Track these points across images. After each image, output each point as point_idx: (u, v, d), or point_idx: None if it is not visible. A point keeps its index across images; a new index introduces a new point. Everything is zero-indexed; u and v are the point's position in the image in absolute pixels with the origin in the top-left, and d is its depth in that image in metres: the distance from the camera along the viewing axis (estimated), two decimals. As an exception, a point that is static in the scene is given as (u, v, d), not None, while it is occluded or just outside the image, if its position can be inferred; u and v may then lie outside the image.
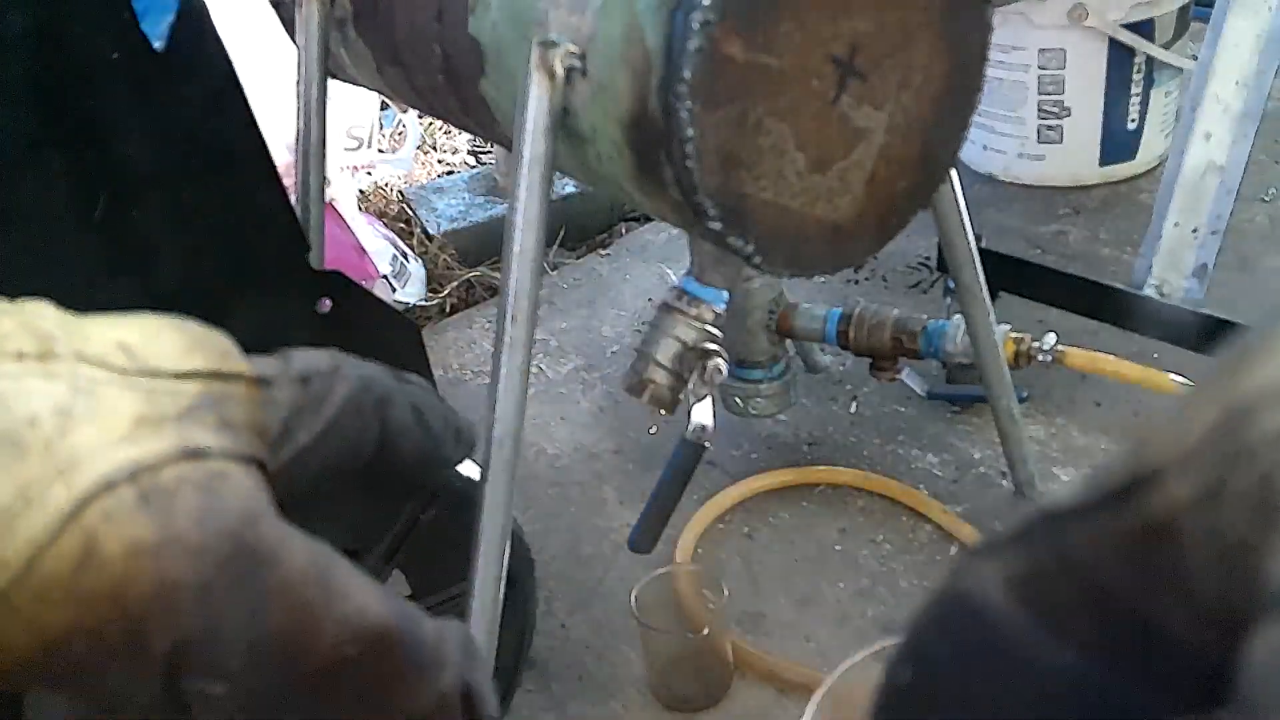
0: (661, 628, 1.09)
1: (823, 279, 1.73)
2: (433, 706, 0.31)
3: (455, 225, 2.03)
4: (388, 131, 2.32)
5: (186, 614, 0.27)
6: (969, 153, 1.98)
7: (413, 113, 2.26)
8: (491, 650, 0.91)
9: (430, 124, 2.41)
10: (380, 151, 2.17)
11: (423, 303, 1.88)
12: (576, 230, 2.02)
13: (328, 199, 1.37)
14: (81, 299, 0.79)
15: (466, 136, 2.43)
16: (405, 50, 0.98)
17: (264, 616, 0.28)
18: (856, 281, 1.75)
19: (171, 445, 0.28)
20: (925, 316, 1.26)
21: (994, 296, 1.23)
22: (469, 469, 0.95)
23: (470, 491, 0.90)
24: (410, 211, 2.13)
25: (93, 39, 0.75)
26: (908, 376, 1.46)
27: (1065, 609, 0.24)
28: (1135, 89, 1.83)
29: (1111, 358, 1.22)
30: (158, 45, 0.76)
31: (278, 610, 0.28)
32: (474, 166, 2.37)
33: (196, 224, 0.84)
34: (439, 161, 2.40)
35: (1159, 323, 1.34)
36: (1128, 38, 1.77)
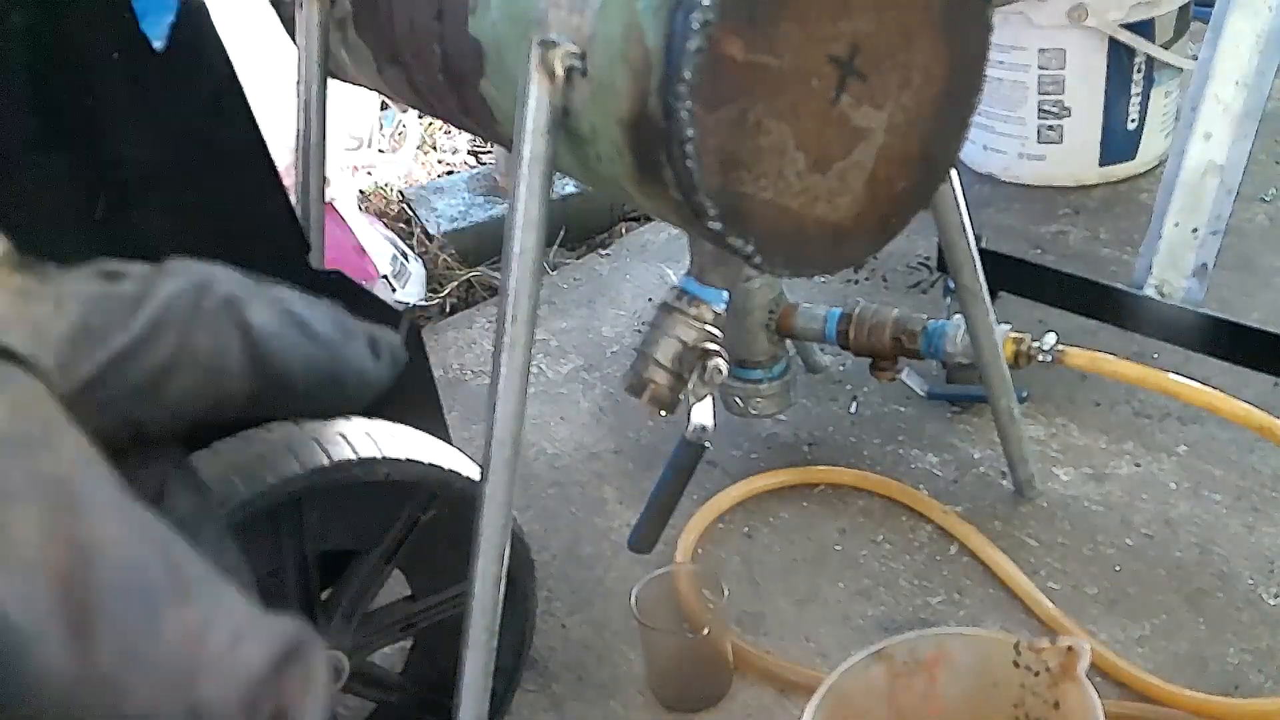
0: (661, 628, 1.09)
1: (823, 279, 1.73)
2: (175, 716, 0.22)
3: (455, 225, 2.03)
4: (388, 131, 2.32)
5: None
6: (969, 153, 1.98)
7: (413, 113, 2.26)
8: (491, 650, 0.91)
9: (430, 124, 2.41)
10: (380, 151, 2.17)
11: (423, 303, 1.88)
12: (576, 230, 2.03)
13: (328, 199, 1.37)
14: (81, 299, 0.78)
15: (466, 136, 2.43)
16: (405, 50, 0.98)
17: None
18: (856, 281, 1.75)
19: None
20: (925, 316, 1.26)
21: (994, 296, 1.23)
22: (469, 469, 0.95)
23: (470, 491, 0.90)
24: (410, 211, 2.13)
25: (93, 39, 0.75)
26: (908, 376, 1.46)
27: None
28: (1135, 89, 1.83)
29: (1111, 358, 1.22)
30: (158, 45, 0.76)
31: None
32: (474, 166, 2.37)
33: (196, 224, 0.84)
34: (439, 161, 2.40)
35: (1159, 323, 1.34)
36: (1128, 38, 1.77)
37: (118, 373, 0.26)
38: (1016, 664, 0.89)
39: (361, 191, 2.15)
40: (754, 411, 1.34)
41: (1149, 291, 1.33)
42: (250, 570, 0.28)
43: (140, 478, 0.28)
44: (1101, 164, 1.90)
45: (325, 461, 0.85)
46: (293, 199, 0.98)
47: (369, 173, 2.18)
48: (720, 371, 0.96)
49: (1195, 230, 1.30)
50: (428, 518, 0.94)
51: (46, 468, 0.22)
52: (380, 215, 2.11)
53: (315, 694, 0.24)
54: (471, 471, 0.94)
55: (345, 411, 0.32)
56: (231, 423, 0.85)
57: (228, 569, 0.26)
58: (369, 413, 0.94)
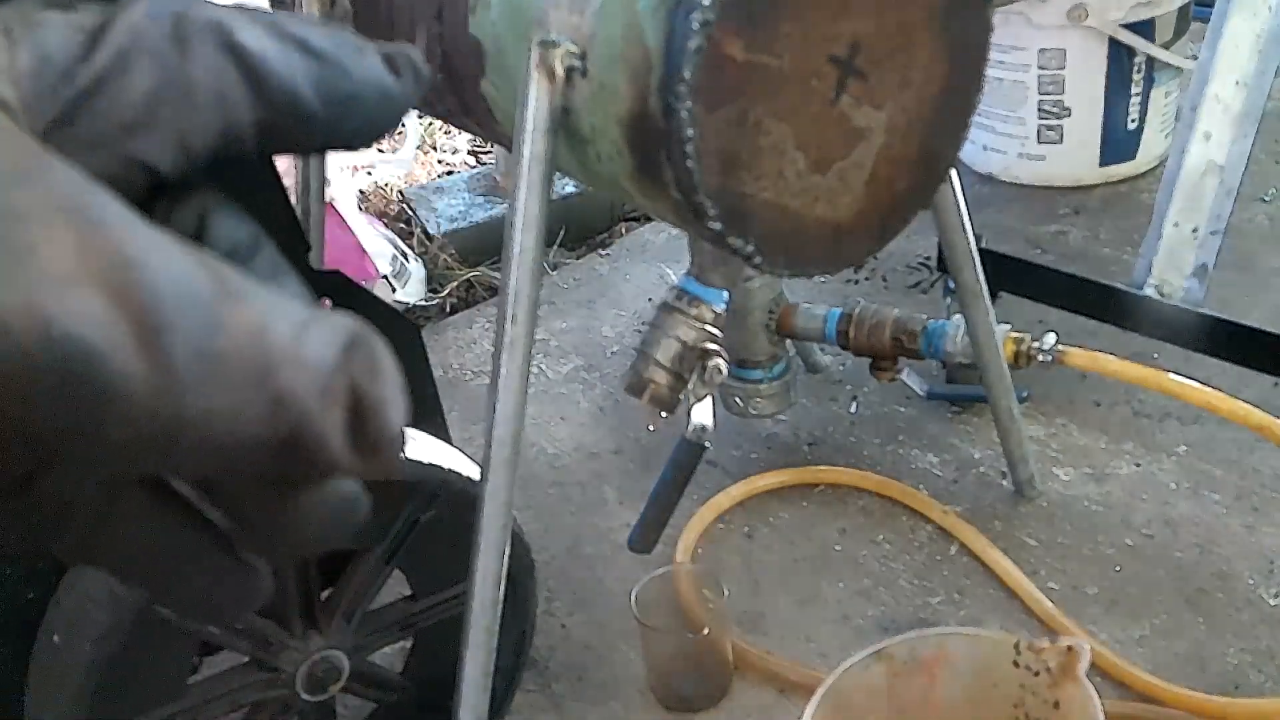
0: (661, 628, 1.09)
1: (823, 279, 1.73)
2: (262, 419, 0.21)
3: (455, 225, 2.03)
4: (388, 131, 2.32)
5: None
6: (969, 153, 1.98)
7: (413, 113, 2.26)
8: (491, 650, 0.91)
9: (430, 124, 2.41)
10: (380, 151, 2.17)
11: (423, 303, 1.88)
12: (576, 230, 2.02)
13: (328, 199, 1.37)
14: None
15: (466, 136, 2.43)
16: (405, 50, 0.98)
17: None
18: (856, 281, 1.75)
19: None
20: (925, 316, 1.26)
21: (994, 296, 1.23)
22: (469, 469, 0.95)
23: (470, 491, 0.90)
24: (410, 211, 2.13)
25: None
26: (908, 376, 1.46)
27: None
28: (1135, 89, 1.83)
29: (1111, 358, 1.22)
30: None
31: None
32: (474, 166, 2.37)
33: (196, 224, 0.83)
34: (439, 161, 2.40)
35: (1159, 323, 1.34)
36: (1128, 38, 1.77)
37: (93, 108, 0.24)
38: (1016, 664, 0.89)
39: (361, 191, 2.15)
40: (754, 411, 1.34)
41: (1149, 291, 1.33)
42: (305, 296, 0.27)
43: (173, 218, 0.26)
44: (1101, 164, 1.90)
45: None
46: (293, 199, 0.98)
47: (369, 173, 2.18)
48: (720, 371, 0.96)
49: (1195, 230, 1.30)
50: (428, 518, 0.94)
51: (58, 189, 0.20)
52: (380, 215, 2.11)
53: (385, 377, 0.23)
54: (471, 471, 0.94)
55: (376, 136, 0.27)
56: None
57: (285, 290, 0.25)
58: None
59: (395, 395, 0.23)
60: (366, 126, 0.28)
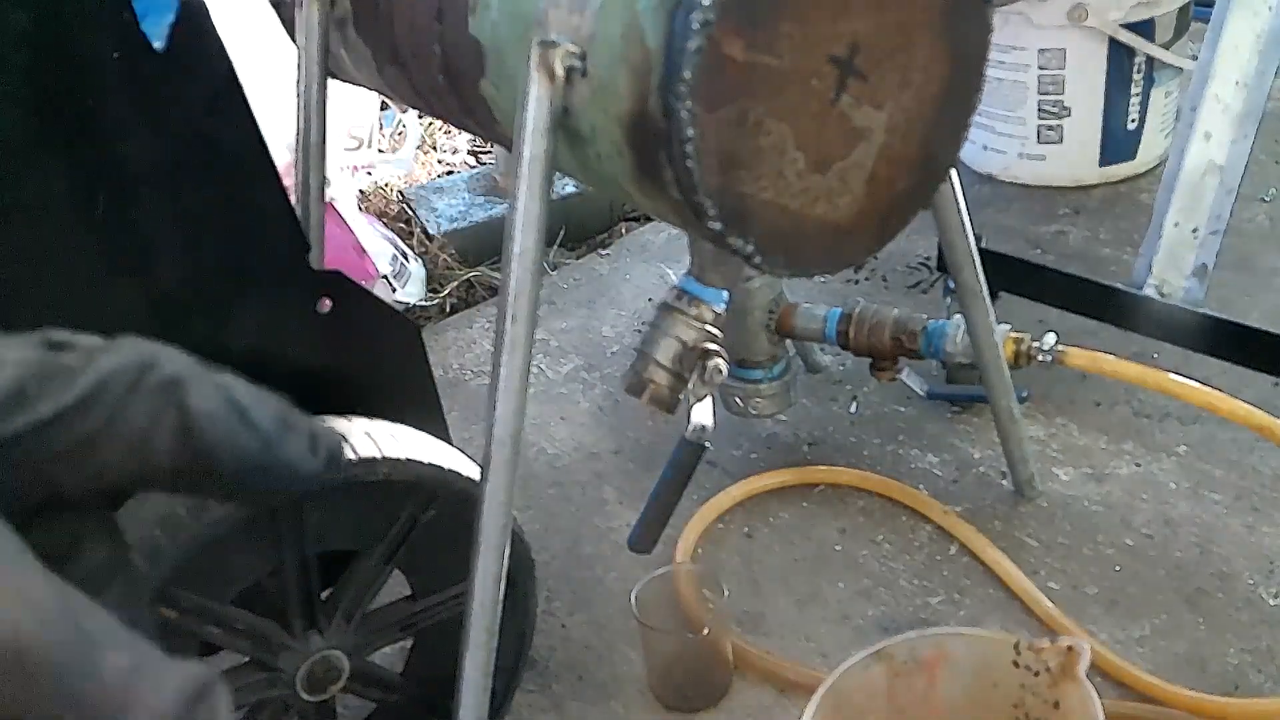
0: (661, 628, 1.09)
1: (823, 279, 1.73)
2: None
3: (455, 225, 2.03)
4: (388, 131, 2.32)
5: None
6: (969, 153, 1.98)
7: (413, 113, 2.26)
8: (491, 650, 0.91)
9: (430, 124, 2.41)
10: (380, 151, 2.17)
11: (423, 303, 1.88)
12: (576, 230, 2.03)
13: (328, 199, 1.37)
14: (81, 299, 0.80)
15: (466, 136, 2.43)
16: (405, 50, 0.98)
17: None
18: (856, 281, 1.75)
19: None
20: (925, 316, 1.26)
21: (994, 296, 1.23)
22: (469, 469, 0.95)
23: (470, 491, 0.90)
24: (410, 211, 2.13)
25: (93, 39, 0.75)
26: (908, 376, 1.46)
27: None
28: (1135, 89, 1.83)
29: (1111, 358, 1.22)
30: (158, 45, 0.76)
31: None
32: (474, 166, 2.37)
33: (196, 224, 0.84)
34: (439, 161, 2.40)
35: (1159, 323, 1.34)
36: (1128, 38, 1.77)
37: (40, 438, 0.27)
38: (1016, 664, 0.89)
39: (361, 191, 2.15)
40: (754, 411, 1.34)
41: (1149, 291, 1.33)
42: (151, 624, 0.31)
43: (54, 529, 0.30)
44: (1101, 164, 1.90)
45: (325, 461, 0.85)
46: (293, 199, 0.98)
47: (369, 173, 2.18)
48: (720, 371, 0.96)
49: (1195, 230, 1.30)
50: (428, 518, 0.94)
51: None
52: (380, 215, 2.11)
53: None
54: (471, 471, 0.94)
55: (268, 499, 0.34)
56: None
57: (133, 621, 0.28)
58: (369, 413, 0.94)
59: None
60: (265, 493, 0.32)
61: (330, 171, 1.56)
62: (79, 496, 0.29)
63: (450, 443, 0.99)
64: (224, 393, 0.30)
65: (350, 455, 0.87)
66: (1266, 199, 1.82)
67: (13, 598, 0.24)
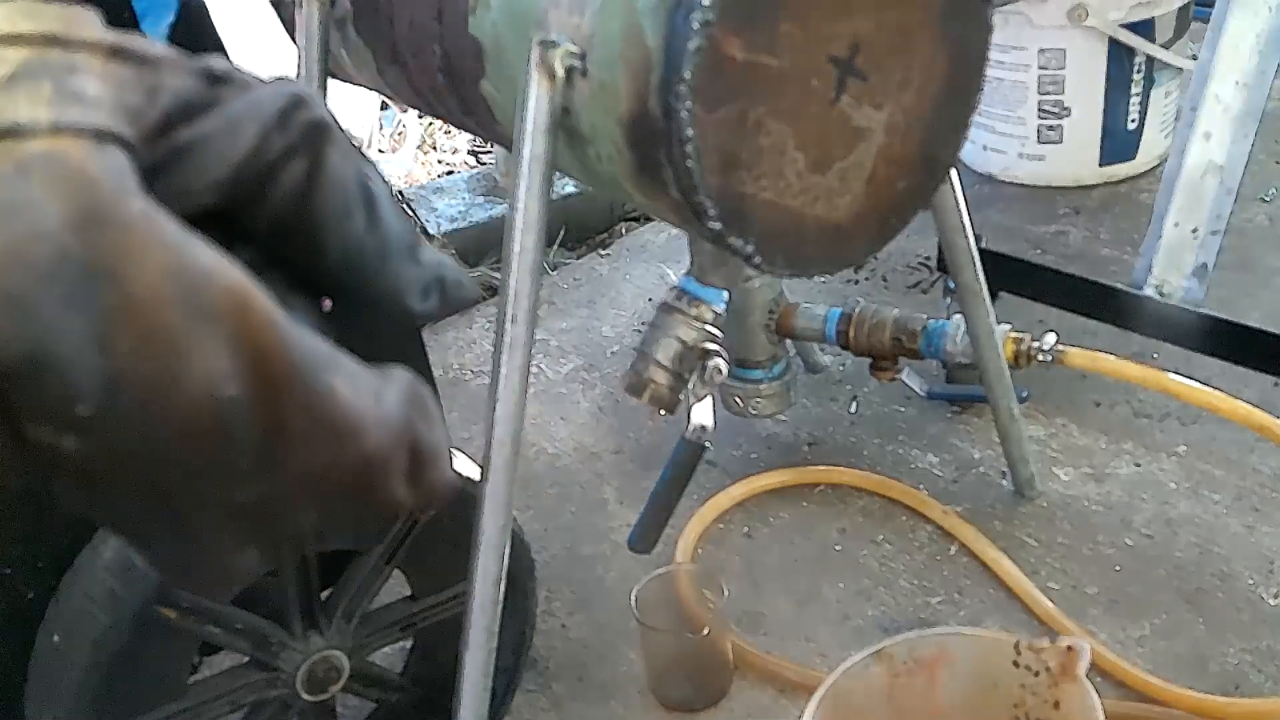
0: (661, 628, 1.09)
1: (823, 279, 1.73)
2: (354, 470, 0.25)
3: (455, 225, 2.03)
4: (388, 131, 2.32)
5: (3, 337, 0.21)
6: (969, 153, 1.98)
7: (413, 113, 2.26)
8: (491, 650, 0.91)
9: (430, 124, 2.41)
10: (380, 152, 2.17)
11: (423, 303, 1.88)
12: (576, 230, 2.02)
13: (328, 199, 1.36)
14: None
15: (466, 136, 2.43)
16: (405, 50, 0.98)
17: (111, 345, 0.22)
18: (856, 281, 1.75)
19: None
20: (925, 316, 1.26)
21: (994, 296, 1.23)
22: (469, 469, 0.95)
23: (470, 491, 0.90)
24: (410, 211, 2.13)
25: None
26: (908, 376, 1.46)
27: None
28: (1135, 89, 1.83)
29: (1111, 358, 1.22)
30: (158, 45, 0.76)
31: (127, 336, 0.22)
32: (474, 166, 2.37)
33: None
34: (439, 161, 2.40)
35: (1159, 323, 1.34)
36: (1128, 38, 1.76)
37: (183, 164, 0.26)
38: (1016, 664, 0.89)
39: (361, 191, 2.14)
40: (754, 411, 1.34)
41: (1149, 291, 1.33)
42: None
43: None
44: (1101, 164, 1.90)
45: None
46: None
47: (369, 173, 2.17)
48: (720, 371, 0.96)
49: (1195, 230, 1.30)
50: (428, 518, 0.94)
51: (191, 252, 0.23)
52: (380, 215, 2.10)
53: (436, 425, 0.27)
54: (471, 471, 0.94)
55: (367, 305, 0.29)
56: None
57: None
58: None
59: (445, 440, 0.27)
60: (361, 307, 0.30)
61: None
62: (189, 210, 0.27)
63: (450, 443, 0.99)
64: (362, 173, 0.28)
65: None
66: (1266, 199, 1.82)
67: (260, 302, 0.23)
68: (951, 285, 1.31)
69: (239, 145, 0.26)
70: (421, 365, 1.02)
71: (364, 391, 0.25)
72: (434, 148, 2.43)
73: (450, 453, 0.27)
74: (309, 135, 0.27)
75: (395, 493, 0.26)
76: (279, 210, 0.27)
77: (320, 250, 0.28)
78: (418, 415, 0.26)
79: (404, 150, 2.24)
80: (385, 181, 0.29)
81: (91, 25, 0.24)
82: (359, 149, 0.29)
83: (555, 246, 1.98)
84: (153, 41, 0.25)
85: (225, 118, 0.26)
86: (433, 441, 0.26)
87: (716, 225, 0.75)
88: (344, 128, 0.28)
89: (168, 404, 0.22)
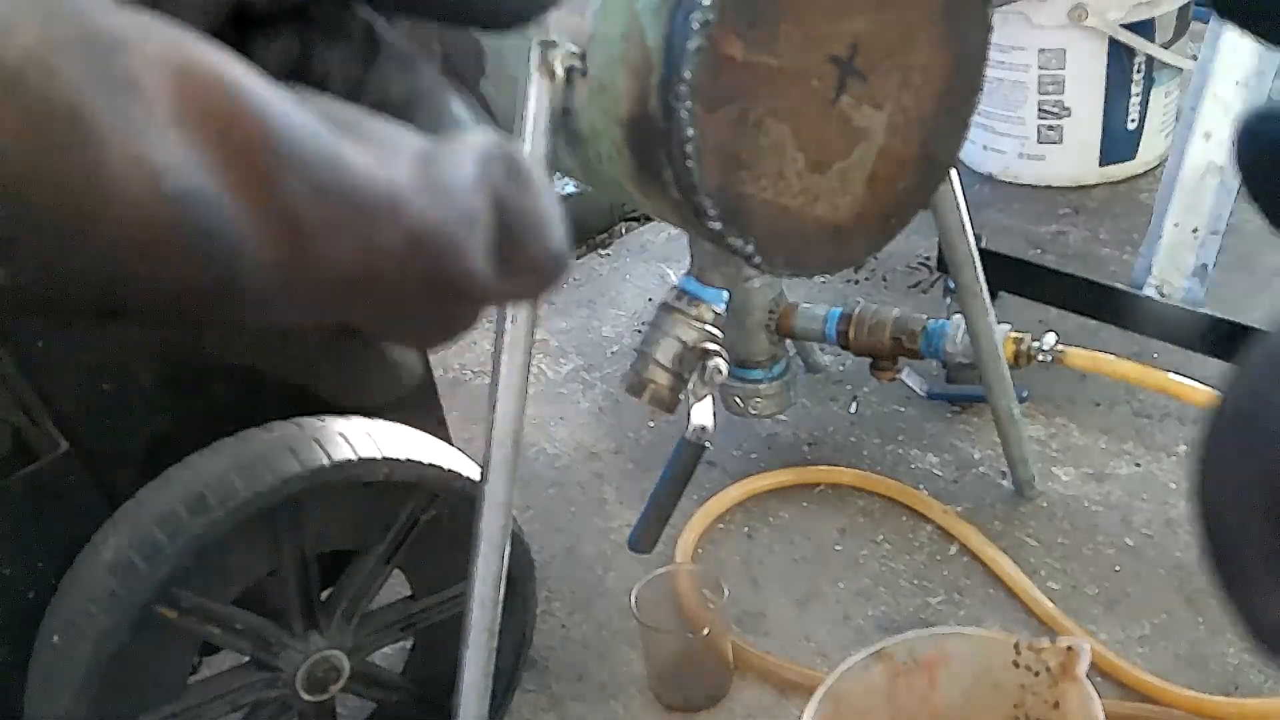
0: (661, 628, 1.09)
1: (823, 279, 1.73)
2: (401, 254, 0.20)
3: (455, 225, 2.02)
4: (388, 131, 2.32)
5: None
6: (969, 153, 1.98)
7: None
8: (491, 650, 0.91)
9: (430, 124, 2.41)
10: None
11: (423, 303, 1.88)
12: (576, 230, 2.02)
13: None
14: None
15: (466, 136, 2.43)
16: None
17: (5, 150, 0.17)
18: (856, 281, 1.75)
19: None
20: (925, 316, 1.26)
21: (994, 296, 1.23)
22: (469, 469, 0.95)
23: (470, 491, 0.90)
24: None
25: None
26: (908, 376, 1.46)
27: None
28: (1135, 89, 1.83)
29: (1111, 358, 1.22)
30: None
31: (6, 124, 0.17)
32: (474, 166, 2.36)
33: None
34: (439, 161, 2.40)
35: (1159, 323, 1.34)
36: (1128, 38, 1.76)
37: None
38: (1016, 664, 0.89)
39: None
40: (754, 411, 1.34)
41: (1149, 291, 1.33)
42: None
43: (270, 53, 0.24)
44: (1101, 164, 1.90)
45: (325, 461, 0.85)
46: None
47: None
48: (720, 371, 0.96)
49: (1195, 230, 1.30)
50: (428, 518, 0.94)
51: (156, 31, 0.18)
52: (380, 215, 2.10)
53: (532, 187, 0.21)
54: (471, 471, 0.94)
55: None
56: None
57: (439, 108, 0.23)
58: (369, 413, 0.94)
59: (546, 205, 0.21)
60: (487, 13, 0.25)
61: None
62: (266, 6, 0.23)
63: (450, 443, 0.99)
64: None
65: (350, 455, 0.87)
66: (1266, 199, 1.82)
67: (207, 59, 0.18)
68: (951, 285, 1.31)
69: None
70: (421, 365, 1.02)
71: (396, 156, 0.20)
72: (434, 148, 2.43)
73: (558, 226, 0.21)
74: None
75: (474, 275, 0.20)
76: None
77: None
78: (502, 179, 0.21)
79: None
80: None
81: None
82: None
83: (555, 246, 1.98)
84: None
85: None
86: (527, 208, 0.21)
87: (716, 225, 0.75)
88: None
89: (91, 206, 0.17)
